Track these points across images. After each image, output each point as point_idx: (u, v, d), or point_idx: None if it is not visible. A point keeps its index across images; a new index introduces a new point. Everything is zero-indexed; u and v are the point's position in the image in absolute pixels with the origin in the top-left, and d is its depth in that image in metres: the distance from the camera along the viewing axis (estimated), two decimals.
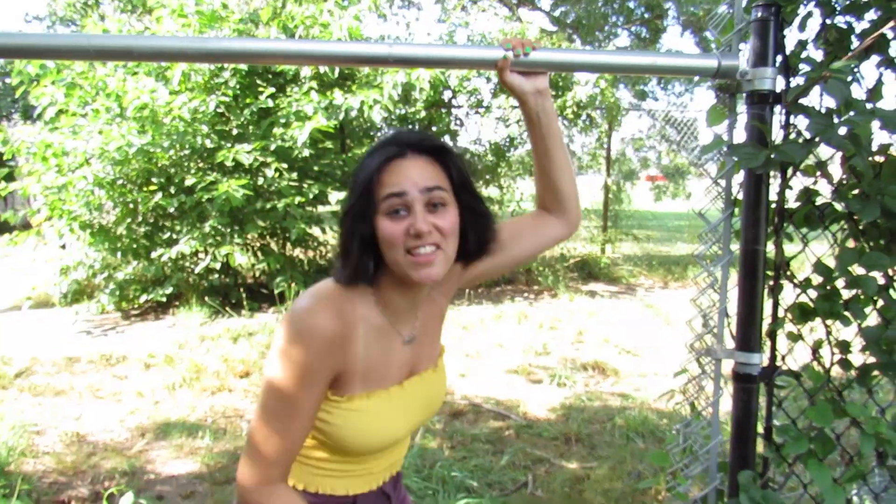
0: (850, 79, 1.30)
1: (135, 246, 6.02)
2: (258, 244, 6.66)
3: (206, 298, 6.04)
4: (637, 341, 5.33)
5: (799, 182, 1.45)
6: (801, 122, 1.36)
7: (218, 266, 5.99)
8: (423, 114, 7.33)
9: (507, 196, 8.12)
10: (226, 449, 3.28)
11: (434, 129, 7.73)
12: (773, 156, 1.25)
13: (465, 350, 5.04)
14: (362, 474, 1.17)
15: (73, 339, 5.30)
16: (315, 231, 6.85)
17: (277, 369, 1.03)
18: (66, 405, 3.88)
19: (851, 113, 1.24)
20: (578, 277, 8.18)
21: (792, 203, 1.44)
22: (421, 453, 3.14)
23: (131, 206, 5.97)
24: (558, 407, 3.90)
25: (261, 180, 5.99)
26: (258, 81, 6.24)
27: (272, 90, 6.06)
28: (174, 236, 6.03)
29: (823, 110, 1.33)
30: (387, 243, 1.05)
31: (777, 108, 1.38)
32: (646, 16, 14.93)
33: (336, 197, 6.54)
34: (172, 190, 5.95)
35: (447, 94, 7.78)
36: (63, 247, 6.14)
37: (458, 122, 8.09)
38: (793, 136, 1.36)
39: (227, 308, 6.00)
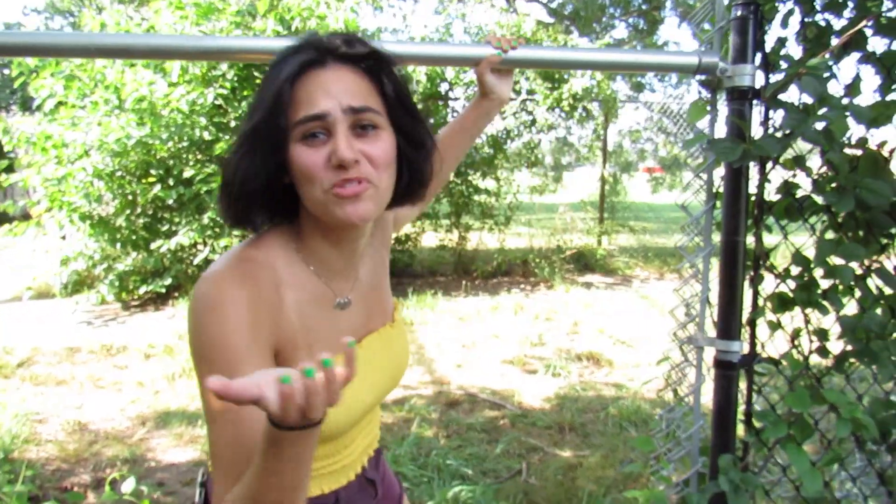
0: (827, 75, 1.35)
1: (134, 237, 6.06)
2: None
3: None
4: (632, 332, 5.39)
5: (780, 175, 1.50)
6: (780, 116, 1.41)
7: (216, 258, 6.02)
8: (420, 106, 7.35)
9: (504, 188, 8.15)
10: None
11: (431, 120, 7.76)
12: (751, 150, 1.30)
13: (461, 341, 5.10)
14: (335, 469, 1.00)
15: (73, 330, 5.35)
16: None
17: (203, 364, 0.81)
18: (67, 394, 3.93)
19: (825, 109, 1.29)
20: (574, 269, 8.23)
21: (775, 195, 1.49)
22: (417, 442, 3.19)
23: (130, 197, 6.01)
24: (552, 397, 3.96)
25: None
26: (255, 73, 6.26)
27: None
28: (173, 228, 6.07)
29: (802, 106, 1.38)
30: (303, 176, 0.84)
31: (756, 103, 1.43)
32: (643, 7, 14.96)
33: None
34: (171, 182, 5.98)
35: (444, 87, 7.80)
36: (63, 238, 6.18)
37: (455, 114, 8.11)
38: (771, 130, 1.41)
39: None
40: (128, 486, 2.12)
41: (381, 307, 1.06)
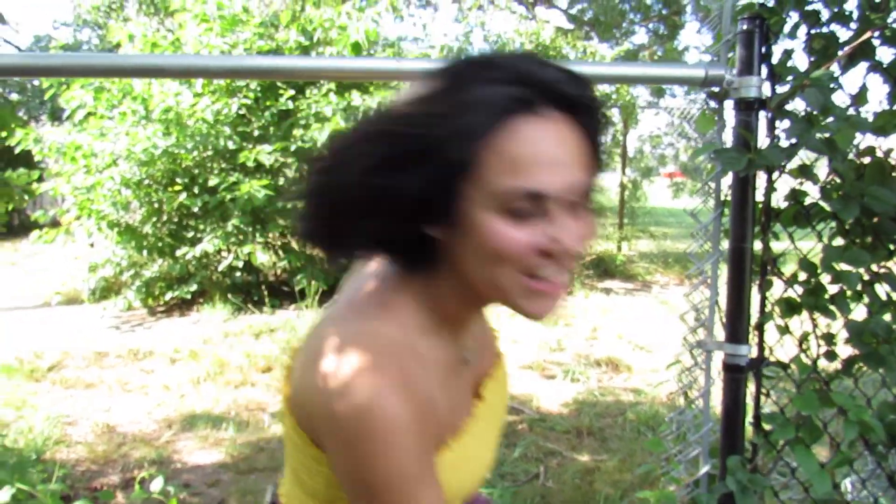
0: (833, 86, 1.39)
1: (160, 244, 6.20)
2: (279, 243, 6.81)
3: (230, 296, 6.20)
4: (651, 337, 5.40)
5: (789, 182, 1.53)
6: (786, 126, 1.45)
7: (240, 264, 6.15)
8: None
9: None
10: (249, 440, 3.41)
11: None
12: (756, 159, 1.34)
13: None
14: None
15: (101, 335, 5.48)
16: None
17: (369, 489, 0.67)
18: (96, 397, 4.04)
19: (830, 119, 1.32)
20: (594, 275, 8.23)
21: (784, 203, 1.52)
22: None
23: (157, 205, 6.15)
24: (571, 401, 3.99)
25: (282, 180, 6.14)
26: (278, 84, 6.38)
27: (292, 92, 6.20)
28: (198, 235, 6.20)
29: (807, 116, 1.42)
30: (491, 255, 0.65)
31: (763, 114, 1.46)
32: (663, 12, 14.93)
33: None
34: (196, 190, 6.12)
35: None
36: (92, 245, 6.33)
37: None
38: (777, 140, 1.44)
39: (250, 305, 6.16)
40: (156, 485, 2.20)
41: (487, 342, 0.90)
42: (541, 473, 3.05)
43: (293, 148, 6.06)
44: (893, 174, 1.37)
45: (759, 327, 1.47)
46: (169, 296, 6.25)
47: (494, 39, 8.67)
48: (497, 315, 4.68)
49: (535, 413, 3.77)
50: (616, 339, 5.42)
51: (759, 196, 1.47)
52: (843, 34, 1.51)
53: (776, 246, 1.52)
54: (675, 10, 15.17)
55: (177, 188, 6.13)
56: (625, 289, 7.77)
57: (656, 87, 15.50)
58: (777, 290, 1.50)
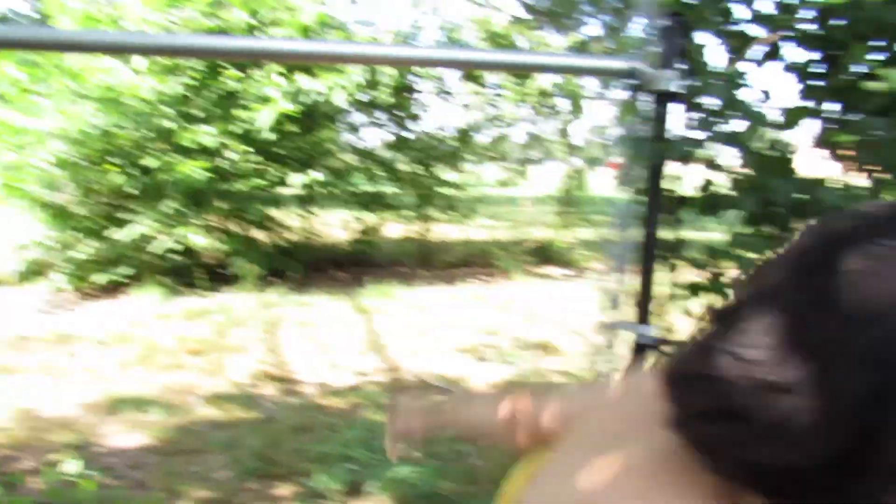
0: (740, 81, 1.45)
1: (93, 226, 6.00)
2: (218, 226, 6.68)
3: (164, 278, 6.06)
4: (586, 322, 5.51)
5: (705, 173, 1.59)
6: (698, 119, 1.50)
7: (176, 247, 6.00)
8: (392, 100, 7.38)
9: (470, 181, 8.25)
10: (177, 423, 3.36)
11: (401, 113, 7.78)
12: (659, 149, 1.39)
13: (418, 329, 5.18)
14: None
15: (28, 318, 5.29)
16: (275, 213, 6.92)
17: None
18: (17, 383, 3.90)
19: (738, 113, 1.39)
20: (534, 261, 8.33)
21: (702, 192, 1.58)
22: (368, 426, 3.26)
23: (90, 186, 5.95)
24: (501, 382, 4.06)
25: (223, 163, 6.02)
26: (223, 65, 6.23)
27: (237, 73, 6.06)
28: (132, 217, 6.02)
29: (717, 109, 1.48)
30: None
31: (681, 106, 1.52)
32: (616, 6, 15.12)
33: (300, 179, 6.54)
34: (132, 171, 5.94)
35: (413, 79, 7.81)
36: (19, 226, 6.09)
37: (422, 107, 8.14)
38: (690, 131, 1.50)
39: (185, 288, 6.03)
40: (72, 467, 2.15)
41: None
42: (469, 452, 3.10)
43: (237, 130, 5.95)
44: (790, 165, 1.44)
45: (664, 309, 1.54)
46: (101, 278, 6.06)
47: (448, 27, 8.62)
48: (437, 301, 4.67)
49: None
50: (552, 323, 5.52)
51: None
52: (762, 33, 1.57)
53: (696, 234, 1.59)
54: (627, 3, 15.37)
55: (112, 168, 5.94)
56: (563, 275, 7.90)
57: (606, 79, 15.74)
58: (684, 275, 1.56)
